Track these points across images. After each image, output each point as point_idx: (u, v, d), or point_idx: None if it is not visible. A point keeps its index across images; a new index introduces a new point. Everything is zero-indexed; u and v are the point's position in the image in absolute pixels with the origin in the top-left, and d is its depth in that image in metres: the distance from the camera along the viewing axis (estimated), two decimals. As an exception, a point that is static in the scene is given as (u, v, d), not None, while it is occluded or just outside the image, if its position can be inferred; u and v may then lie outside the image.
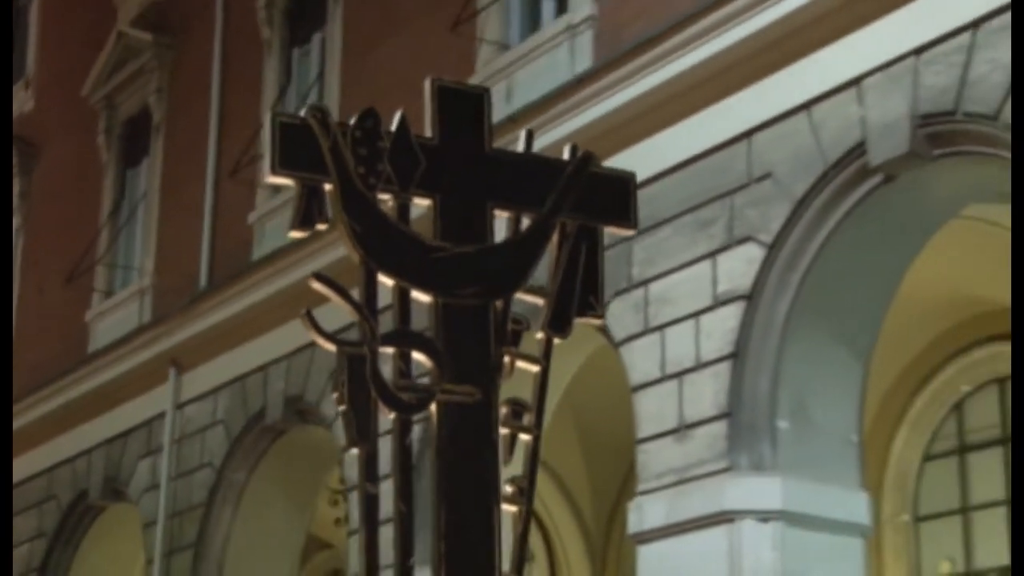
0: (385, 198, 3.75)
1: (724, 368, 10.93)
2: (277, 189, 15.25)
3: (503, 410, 3.83)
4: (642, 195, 4.47)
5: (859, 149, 10.28)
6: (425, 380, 3.67)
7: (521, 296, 3.83)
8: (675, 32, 11.70)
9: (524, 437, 3.87)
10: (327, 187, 3.64)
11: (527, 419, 3.87)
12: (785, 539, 10.45)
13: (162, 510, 17.53)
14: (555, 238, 3.89)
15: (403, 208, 3.77)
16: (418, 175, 3.78)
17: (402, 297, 3.72)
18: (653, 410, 11.61)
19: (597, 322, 4.21)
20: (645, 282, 11.72)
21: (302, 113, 3.81)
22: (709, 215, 11.30)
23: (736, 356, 10.80)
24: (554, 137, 11.14)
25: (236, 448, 17.06)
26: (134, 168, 21.05)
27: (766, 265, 10.70)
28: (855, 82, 10.38)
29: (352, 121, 3.81)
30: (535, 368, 3.92)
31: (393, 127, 3.85)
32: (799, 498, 10.58)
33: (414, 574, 3.59)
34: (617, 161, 5.55)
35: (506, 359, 3.89)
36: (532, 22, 14.79)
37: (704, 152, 11.43)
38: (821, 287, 10.76)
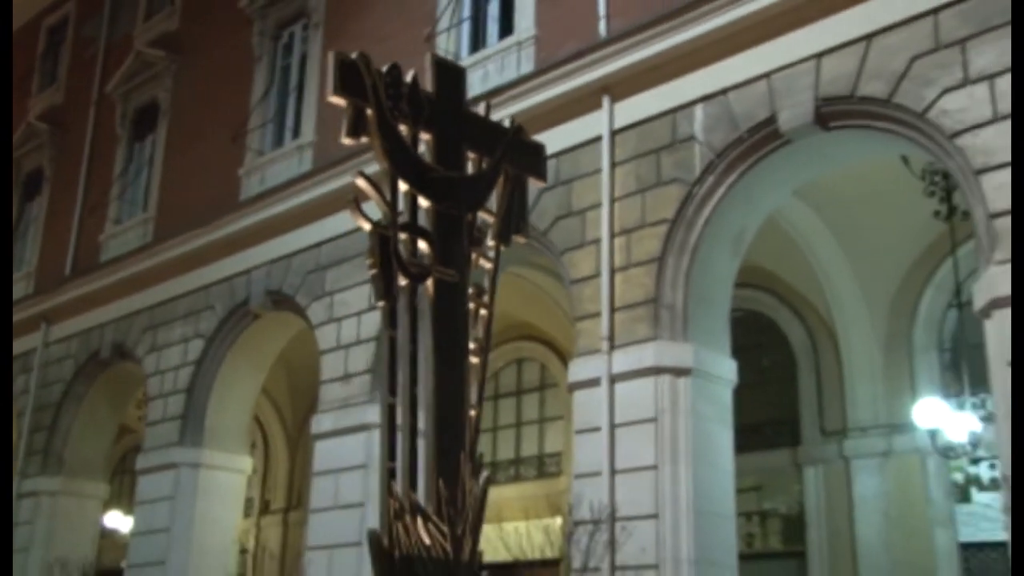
0: (402, 128, 5.49)
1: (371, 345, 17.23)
2: (261, 152, 20.79)
3: (470, 291, 5.45)
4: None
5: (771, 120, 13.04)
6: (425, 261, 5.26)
7: (481, 214, 5.46)
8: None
9: (483, 312, 5.48)
10: (368, 112, 5.32)
11: (485, 299, 5.46)
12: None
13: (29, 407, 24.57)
14: (501, 179, 5.61)
15: (414, 137, 5.42)
16: (424, 116, 5.51)
17: (412, 199, 5.35)
18: (330, 365, 17.81)
19: (523, 240, 5.80)
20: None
21: (353, 56, 5.49)
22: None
23: (380, 338, 16.53)
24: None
25: (79, 373, 23.75)
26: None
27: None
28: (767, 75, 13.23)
29: (384, 69, 5.57)
30: (489, 265, 5.52)
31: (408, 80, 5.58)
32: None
33: (396, 474, 4.94)
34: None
35: (473, 255, 5.49)
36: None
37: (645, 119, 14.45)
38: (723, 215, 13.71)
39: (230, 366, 20.37)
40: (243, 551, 24.16)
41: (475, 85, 16.41)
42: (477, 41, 17.90)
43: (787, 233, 17.10)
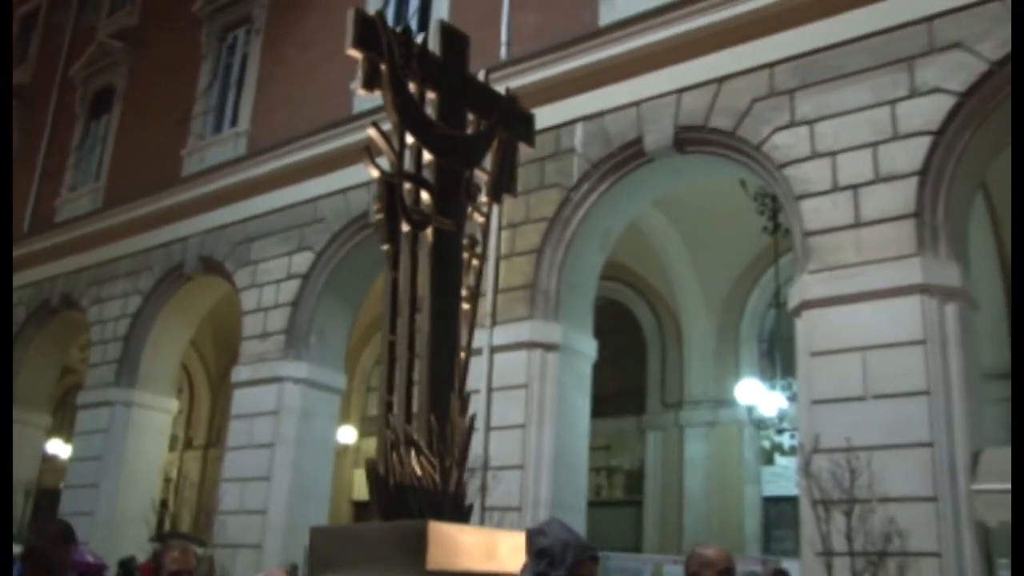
0: (411, 85, 5.24)
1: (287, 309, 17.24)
2: (202, 137, 20.64)
3: (464, 241, 5.20)
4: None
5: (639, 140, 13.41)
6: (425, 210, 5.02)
7: (477, 172, 5.18)
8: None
9: (475, 262, 5.27)
10: (382, 67, 5.03)
11: (477, 250, 5.28)
12: (304, 394, 17.03)
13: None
14: (495, 142, 5.34)
15: (421, 95, 5.14)
16: (431, 77, 5.22)
17: (417, 152, 5.10)
18: (251, 325, 17.73)
19: (513, 198, 5.63)
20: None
21: (372, 13, 5.30)
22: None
23: (294, 303, 17.28)
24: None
25: (30, 318, 23.61)
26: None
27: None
28: (636, 104, 13.53)
29: (398, 29, 5.39)
30: (481, 219, 5.29)
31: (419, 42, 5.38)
32: (315, 373, 17.27)
33: (394, 407, 4.79)
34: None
35: (468, 208, 5.25)
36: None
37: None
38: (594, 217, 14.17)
39: (163, 320, 20.29)
40: (167, 480, 24.06)
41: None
42: (402, 51, 17.88)
43: (645, 236, 17.55)
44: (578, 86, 14.24)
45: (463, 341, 5.17)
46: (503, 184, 5.45)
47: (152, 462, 20.30)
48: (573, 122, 14.08)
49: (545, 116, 14.22)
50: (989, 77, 10.78)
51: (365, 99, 17.12)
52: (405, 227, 4.87)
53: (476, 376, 13.59)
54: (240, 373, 17.55)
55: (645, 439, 18.78)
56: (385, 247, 4.87)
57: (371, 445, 22.50)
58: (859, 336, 10.62)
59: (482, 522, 13.02)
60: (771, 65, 12.22)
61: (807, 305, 11.11)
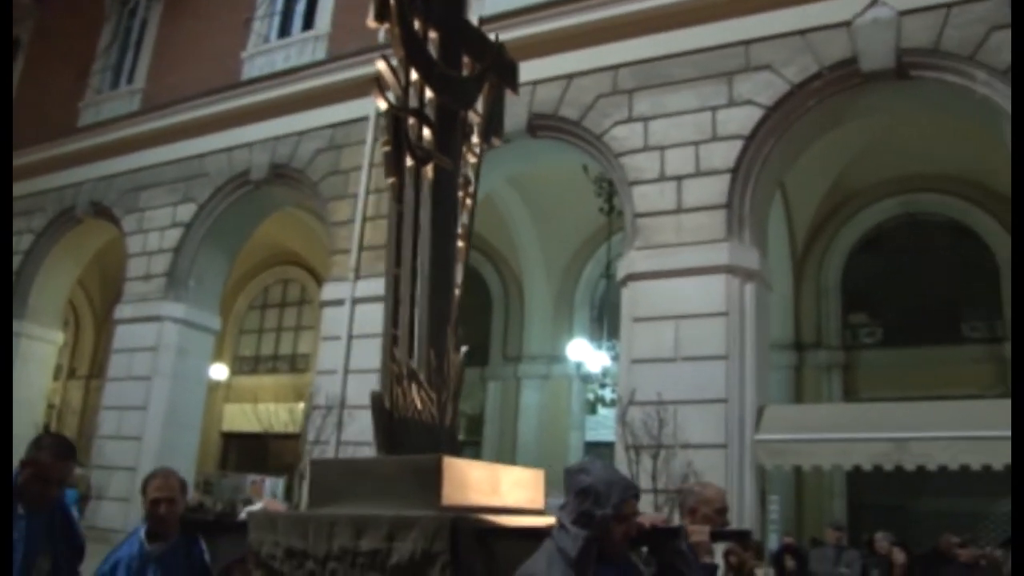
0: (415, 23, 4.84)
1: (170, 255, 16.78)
2: (99, 91, 19.50)
3: (460, 180, 4.83)
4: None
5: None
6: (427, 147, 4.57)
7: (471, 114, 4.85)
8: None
9: (468, 201, 4.83)
10: (391, 1, 4.55)
11: (470, 189, 4.84)
12: (181, 333, 16.58)
13: None
14: (486, 86, 4.96)
15: (424, 33, 4.74)
16: (434, 17, 4.79)
17: (420, 89, 4.62)
18: (135, 267, 17.20)
19: (498, 143, 5.09)
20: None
21: None
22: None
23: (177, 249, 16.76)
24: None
25: None
26: None
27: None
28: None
29: None
30: (474, 160, 4.89)
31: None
32: (192, 314, 16.75)
33: (399, 341, 4.24)
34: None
35: (464, 148, 4.86)
36: None
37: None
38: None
39: (53, 258, 19.53)
40: (51, 406, 23.23)
41: (278, 62, 16.53)
42: (285, 29, 17.57)
43: (498, 208, 17.69)
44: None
45: (458, 278, 4.77)
46: (493, 127, 5.05)
47: (37, 390, 19.64)
48: (438, 103, 14.02)
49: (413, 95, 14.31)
50: (791, 96, 11.38)
51: (254, 67, 16.87)
52: (409, 161, 4.50)
53: (338, 324, 13.64)
54: (123, 311, 17.11)
55: (486, 388, 19.02)
56: (390, 180, 4.45)
57: (242, 383, 22.51)
58: (674, 306, 11.05)
59: (336, 455, 12.98)
60: (615, 67, 12.49)
61: (632, 277, 11.47)
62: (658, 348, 10.97)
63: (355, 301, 13.83)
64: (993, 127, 11.21)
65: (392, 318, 4.34)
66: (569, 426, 17.95)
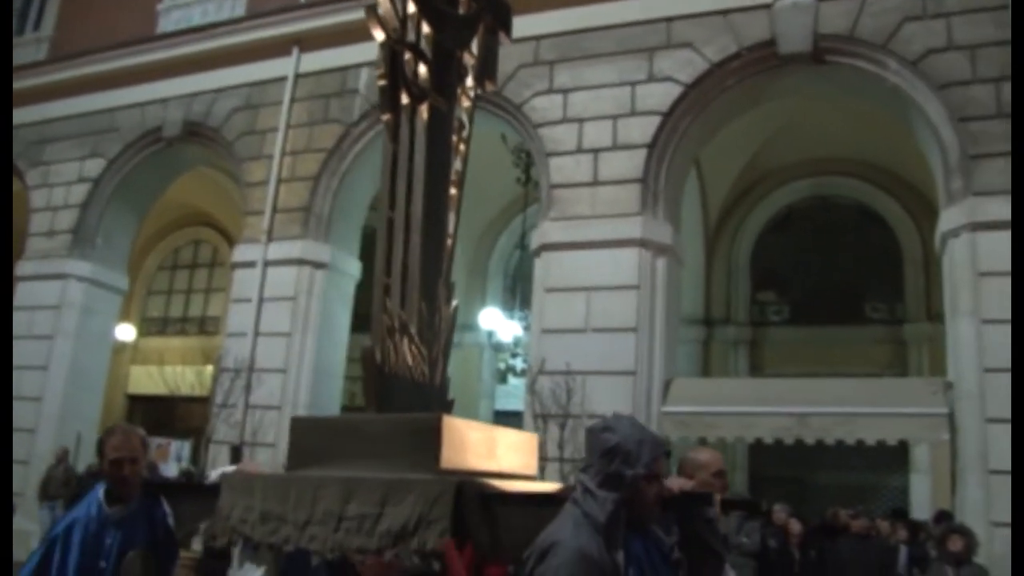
0: None
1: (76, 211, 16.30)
2: None
3: (454, 124, 4.56)
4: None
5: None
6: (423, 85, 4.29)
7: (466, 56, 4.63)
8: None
9: (462, 147, 4.60)
10: None
11: (464, 133, 4.60)
12: (86, 292, 16.25)
13: None
14: (481, 28, 4.72)
15: None
16: None
17: (418, 22, 4.35)
18: (38, 222, 16.80)
19: (492, 87, 4.87)
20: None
21: None
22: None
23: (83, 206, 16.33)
24: None
25: None
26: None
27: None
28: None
29: None
30: (467, 103, 4.63)
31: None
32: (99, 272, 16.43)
33: (391, 291, 3.92)
34: None
35: (458, 90, 4.61)
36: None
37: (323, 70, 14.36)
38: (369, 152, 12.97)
39: (-51, 210, 18.84)
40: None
41: (195, 17, 16.17)
42: (204, -17, 17.16)
43: (413, 176, 17.57)
44: (366, 34, 13.96)
45: (450, 227, 4.46)
46: (488, 70, 4.73)
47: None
48: (359, 66, 13.95)
49: (334, 58, 14.18)
50: (710, 74, 11.56)
51: (170, 20, 16.44)
52: (404, 99, 4.13)
53: (249, 286, 13.48)
54: (24, 267, 16.65)
55: (402, 355, 18.94)
56: (385, 117, 4.07)
57: (149, 345, 22.09)
58: (586, 278, 11.18)
59: (244, 420, 12.92)
60: (537, 38, 12.50)
61: (546, 248, 11.56)
62: (569, 319, 11.10)
63: (267, 264, 13.69)
64: (902, 115, 11.55)
65: (385, 265, 4.01)
66: (479, 395, 18.06)
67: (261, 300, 13.58)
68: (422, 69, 4.31)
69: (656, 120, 11.58)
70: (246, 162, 14.57)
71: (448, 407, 4.27)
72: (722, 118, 12.37)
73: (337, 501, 3.36)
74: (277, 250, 13.67)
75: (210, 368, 15.37)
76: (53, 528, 3.98)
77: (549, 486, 3.71)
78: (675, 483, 3.16)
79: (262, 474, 4.42)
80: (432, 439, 3.44)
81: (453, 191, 4.53)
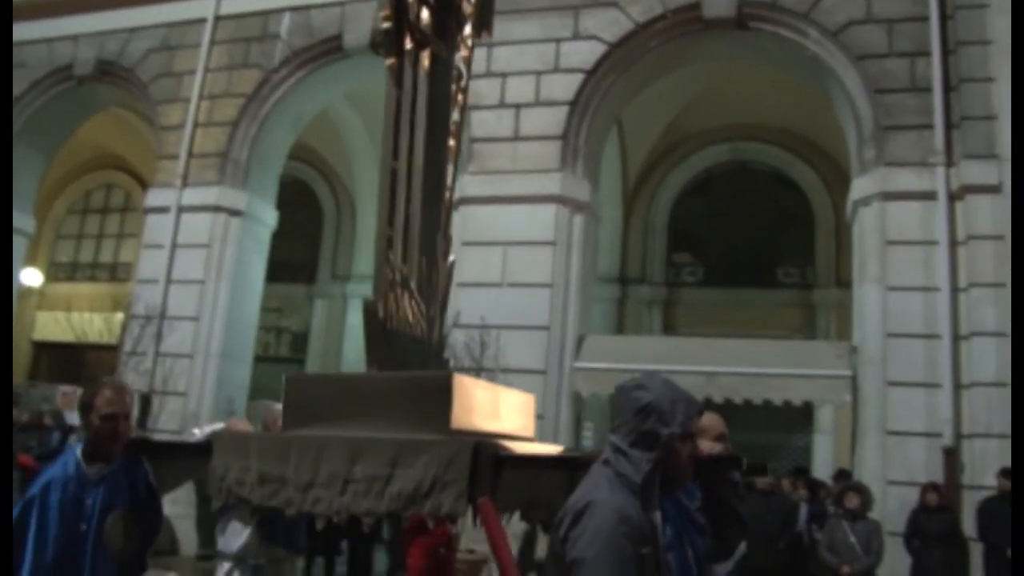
0: None
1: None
2: None
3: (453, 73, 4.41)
4: None
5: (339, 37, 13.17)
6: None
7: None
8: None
9: (460, 97, 4.43)
10: None
11: (463, 83, 4.43)
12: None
13: None
14: None
15: None
16: None
17: None
18: None
19: (489, 37, 4.67)
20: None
21: None
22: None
23: None
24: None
25: None
26: None
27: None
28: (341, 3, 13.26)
29: None
30: (465, 53, 4.47)
31: None
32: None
33: (394, 243, 3.71)
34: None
35: (458, 38, 4.46)
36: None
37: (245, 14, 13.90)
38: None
39: None
40: None
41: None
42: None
43: (335, 125, 17.42)
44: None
45: (448, 179, 4.30)
46: (485, 19, 4.57)
47: None
48: (281, 11, 13.69)
49: (256, 0, 13.85)
50: (634, 34, 11.63)
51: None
52: (408, 44, 3.97)
53: (162, 232, 13.23)
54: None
55: (313, 305, 18.89)
56: (390, 61, 3.92)
57: (57, 290, 21.52)
58: (503, 232, 11.22)
59: (154, 368, 12.73)
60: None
61: (464, 201, 11.54)
62: (485, 273, 11.14)
63: (181, 209, 13.44)
64: (821, 85, 11.77)
65: (388, 216, 3.82)
66: (389, 347, 18.05)
67: (174, 246, 13.32)
68: (424, 14, 4.20)
69: (579, 78, 11.61)
70: (161, 105, 14.21)
71: (444, 365, 4.20)
72: (645, 79, 12.45)
73: (343, 462, 3.22)
74: (192, 196, 13.41)
75: (120, 315, 15.09)
76: (28, 488, 3.73)
77: (552, 448, 3.66)
78: (703, 446, 3.11)
79: (257, 434, 4.24)
80: (442, 398, 3.31)
81: (452, 142, 4.40)
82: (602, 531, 2.52)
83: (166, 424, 12.53)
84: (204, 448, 3.60)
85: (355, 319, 18.25)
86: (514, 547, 9.65)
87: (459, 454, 3.05)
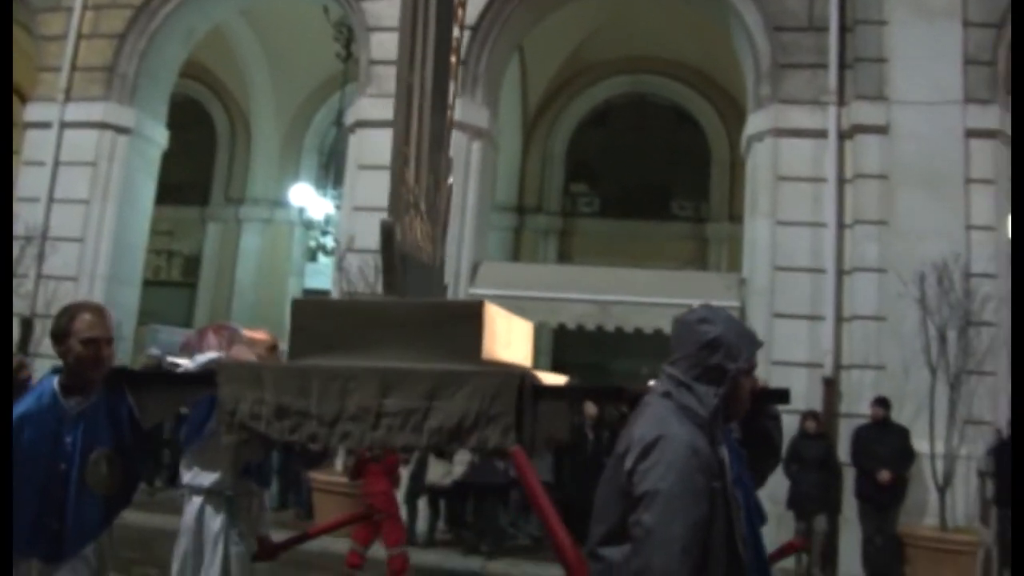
0: None
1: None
2: None
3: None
4: None
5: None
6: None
7: None
8: None
9: (459, 11, 4.33)
10: None
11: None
12: None
13: None
14: None
15: None
16: None
17: None
18: None
19: None
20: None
21: None
22: None
23: None
24: None
25: None
26: None
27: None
28: None
29: None
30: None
31: None
32: None
33: (409, 162, 3.55)
34: None
35: None
36: None
37: None
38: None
39: None
40: None
41: None
42: None
43: (229, 42, 16.87)
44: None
45: (450, 97, 4.15)
46: None
47: None
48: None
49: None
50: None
51: None
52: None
53: (43, 149, 12.74)
54: None
55: (205, 228, 18.44)
56: None
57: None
58: (400, 157, 11.05)
59: (36, 291, 12.33)
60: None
61: (361, 124, 11.39)
62: (380, 197, 10.79)
63: (64, 125, 12.91)
64: (721, 20, 11.85)
65: (404, 133, 3.63)
66: (289, 272, 17.83)
67: (57, 164, 12.82)
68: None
69: (481, 2, 11.44)
70: (42, 13, 13.54)
71: (444, 292, 4.05)
72: (547, 6, 12.36)
73: (373, 395, 3.04)
74: (76, 111, 12.87)
75: (-2, 233, 14.50)
76: None
77: (558, 378, 3.58)
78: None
79: (271, 363, 3.87)
80: (474, 327, 3.15)
81: (452, 59, 4.24)
82: (675, 463, 2.49)
83: (49, 350, 12.15)
84: (196, 379, 3.42)
85: (249, 244, 17.95)
86: (405, 474, 9.74)
87: (505, 386, 2.93)
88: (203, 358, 3.96)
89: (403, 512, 9.97)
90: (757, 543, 2.81)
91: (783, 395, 3.15)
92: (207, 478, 4.51)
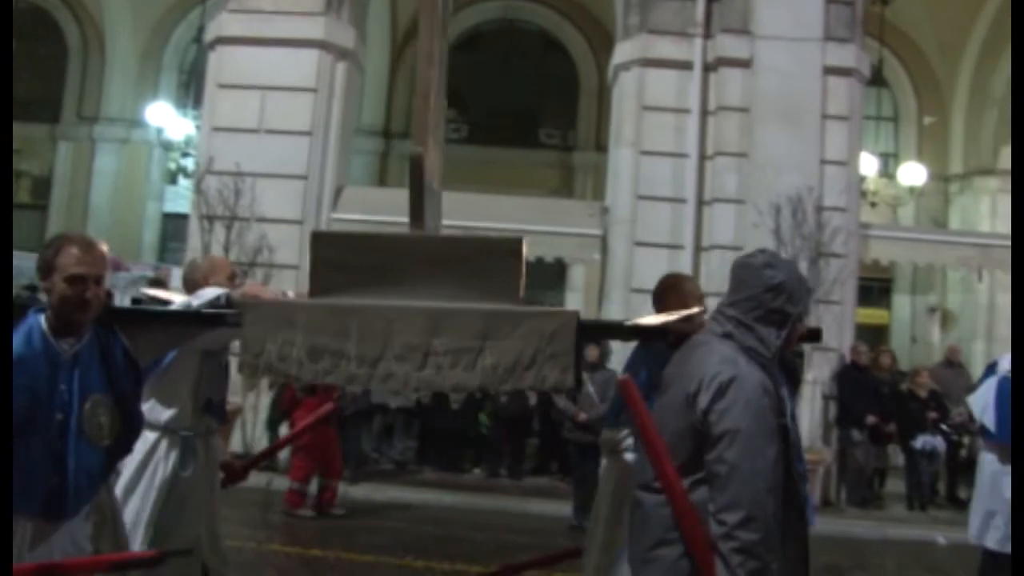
0: None
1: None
2: None
3: None
4: None
5: None
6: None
7: None
8: None
9: None
10: None
11: None
12: None
13: None
14: None
15: None
16: None
17: None
18: None
19: None
20: None
21: None
22: None
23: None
24: None
25: None
26: None
27: None
28: None
29: None
30: None
31: None
32: None
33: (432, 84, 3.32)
34: None
35: None
36: None
37: None
38: None
39: None
40: None
41: None
42: None
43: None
44: None
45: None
46: None
47: None
48: None
49: None
50: None
51: None
52: None
53: None
54: None
55: (56, 148, 17.58)
56: None
57: None
58: (262, 76, 10.74)
59: None
60: None
61: (222, 41, 10.96)
62: (241, 118, 10.67)
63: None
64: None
65: (428, 55, 3.37)
66: (147, 195, 17.22)
67: None
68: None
69: (350, -83, 11.09)
70: None
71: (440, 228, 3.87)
72: (416, -76, 12.04)
73: (421, 334, 2.88)
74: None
75: None
76: None
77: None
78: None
79: (304, 302, 3.61)
80: (514, 264, 3.03)
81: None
82: (751, 403, 2.61)
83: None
84: (195, 317, 3.20)
85: (104, 164, 17.22)
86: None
87: (563, 327, 2.86)
88: (210, 294, 3.52)
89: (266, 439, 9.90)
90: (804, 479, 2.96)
91: (816, 334, 3.26)
92: (163, 413, 4.10)
